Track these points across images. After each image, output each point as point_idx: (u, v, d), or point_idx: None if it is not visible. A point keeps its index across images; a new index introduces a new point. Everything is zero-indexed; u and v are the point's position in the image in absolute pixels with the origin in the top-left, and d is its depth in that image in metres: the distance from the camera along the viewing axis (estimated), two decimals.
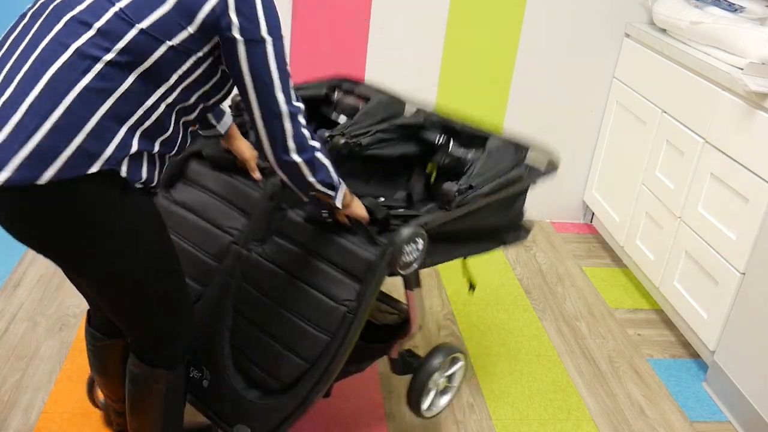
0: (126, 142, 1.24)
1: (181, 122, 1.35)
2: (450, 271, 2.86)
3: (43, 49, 1.21)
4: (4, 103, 1.19)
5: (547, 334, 2.53)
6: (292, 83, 1.33)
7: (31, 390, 2.04)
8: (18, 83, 1.20)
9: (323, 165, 1.41)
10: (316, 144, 1.39)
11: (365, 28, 2.94)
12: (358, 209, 1.60)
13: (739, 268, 2.18)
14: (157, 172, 1.34)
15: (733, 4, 2.56)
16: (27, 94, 1.18)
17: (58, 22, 1.23)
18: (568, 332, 2.55)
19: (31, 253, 2.68)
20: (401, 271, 1.56)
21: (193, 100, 1.33)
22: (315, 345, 1.57)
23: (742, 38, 2.32)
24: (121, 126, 1.23)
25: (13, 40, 1.28)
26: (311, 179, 1.40)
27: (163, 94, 1.27)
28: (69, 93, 1.18)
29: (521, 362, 2.37)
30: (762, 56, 2.23)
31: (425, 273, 2.82)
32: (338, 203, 1.49)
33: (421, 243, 1.57)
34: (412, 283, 1.71)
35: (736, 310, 2.20)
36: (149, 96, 1.25)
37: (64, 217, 1.22)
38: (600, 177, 3.17)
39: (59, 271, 2.58)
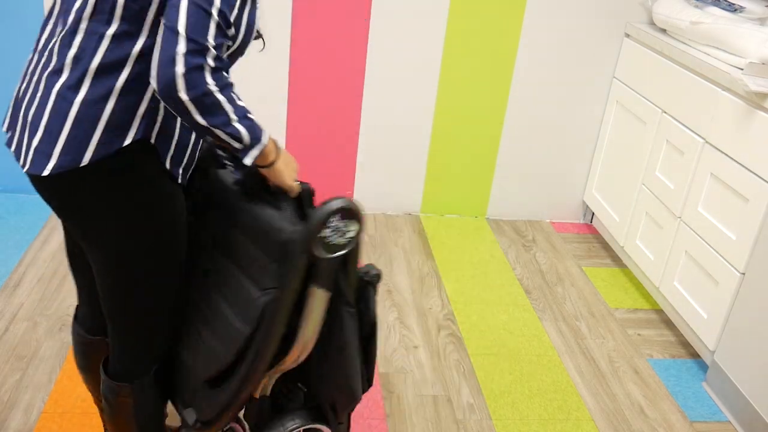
0: (152, 105, 1.28)
1: None
2: (450, 271, 2.86)
3: (62, 39, 1.28)
4: (40, 97, 1.28)
5: (547, 334, 2.53)
6: (213, 25, 1.17)
7: (31, 390, 2.04)
8: (47, 76, 1.28)
9: (220, 110, 1.19)
10: (211, 83, 1.16)
11: (365, 28, 2.94)
12: (284, 177, 1.37)
13: (739, 268, 2.18)
14: (192, 137, 1.35)
15: (733, 4, 2.56)
16: (54, 84, 1.26)
17: (68, 13, 1.29)
18: (568, 332, 2.55)
19: (31, 253, 2.68)
20: (318, 254, 1.31)
21: None
22: (237, 338, 1.41)
23: (742, 38, 2.32)
24: (145, 90, 1.26)
25: (45, 39, 1.34)
26: (201, 121, 1.19)
27: None
28: (87, 74, 1.24)
29: (521, 362, 2.37)
30: (762, 56, 2.23)
31: (425, 273, 2.82)
32: (246, 160, 1.28)
33: (354, 228, 1.33)
34: (323, 277, 1.36)
35: (736, 310, 2.20)
36: None
37: (104, 192, 1.28)
38: (600, 177, 3.17)
39: (59, 272, 2.58)
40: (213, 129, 1.20)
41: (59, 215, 1.36)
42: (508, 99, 3.12)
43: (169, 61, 1.14)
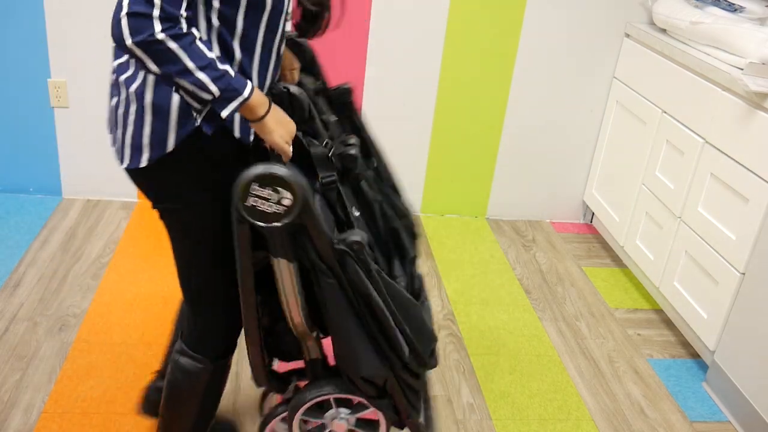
0: None
1: (243, 49, 1.35)
2: (450, 271, 2.86)
3: None
4: (125, 99, 1.38)
5: (547, 334, 2.53)
6: None
7: (31, 390, 2.04)
8: (124, 80, 1.38)
9: (174, 58, 1.20)
10: (158, 31, 1.17)
11: (365, 29, 2.94)
12: (272, 135, 1.34)
13: (739, 268, 2.18)
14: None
15: (733, 4, 2.56)
16: (131, 85, 1.36)
17: None
18: (568, 332, 2.55)
19: (31, 253, 2.68)
20: (255, 223, 1.30)
21: (236, 23, 1.32)
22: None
23: (742, 38, 2.32)
24: None
25: None
26: (155, 69, 1.21)
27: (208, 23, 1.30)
28: (149, 74, 1.33)
29: (521, 362, 2.37)
30: (762, 56, 2.23)
31: (425, 273, 2.82)
32: (223, 112, 1.27)
33: (288, 197, 1.28)
34: (274, 248, 1.35)
35: (736, 310, 2.20)
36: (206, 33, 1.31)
37: (191, 173, 1.37)
38: (600, 177, 3.17)
39: (59, 272, 2.58)
40: (173, 78, 1.22)
41: (152, 201, 1.45)
42: (508, 99, 3.12)
43: (117, 7, 1.17)
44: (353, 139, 1.48)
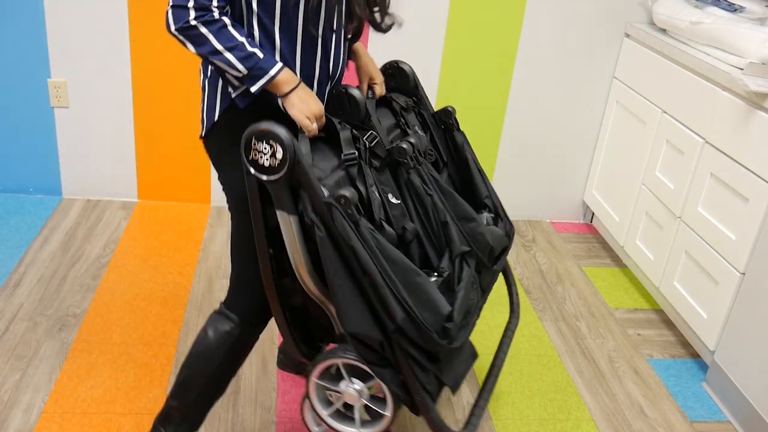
0: None
1: (270, 32, 1.50)
2: None
3: None
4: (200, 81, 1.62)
5: (547, 334, 2.53)
6: None
7: (31, 390, 2.04)
8: (201, 65, 1.62)
9: (205, 40, 1.42)
10: (192, 18, 1.40)
11: (365, 29, 2.93)
12: (294, 110, 1.50)
13: (739, 268, 2.18)
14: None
15: (733, 4, 2.56)
16: (202, 70, 1.60)
17: None
18: (568, 332, 2.55)
19: (31, 253, 2.68)
20: (253, 170, 1.44)
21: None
22: None
23: (742, 38, 2.32)
24: None
25: None
26: (193, 50, 1.44)
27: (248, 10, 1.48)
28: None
29: (521, 362, 2.37)
30: (762, 56, 2.23)
31: None
32: (252, 88, 1.46)
33: (279, 150, 1.41)
34: (276, 200, 1.48)
35: (736, 310, 2.20)
36: (241, 20, 1.49)
37: (235, 137, 1.48)
38: (600, 177, 3.17)
39: (59, 272, 2.58)
40: (206, 58, 1.44)
41: (216, 170, 1.64)
42: (508, 99, 3.12)
43: (166, 13, 1.42)
44: (413, 138, 1.68)
